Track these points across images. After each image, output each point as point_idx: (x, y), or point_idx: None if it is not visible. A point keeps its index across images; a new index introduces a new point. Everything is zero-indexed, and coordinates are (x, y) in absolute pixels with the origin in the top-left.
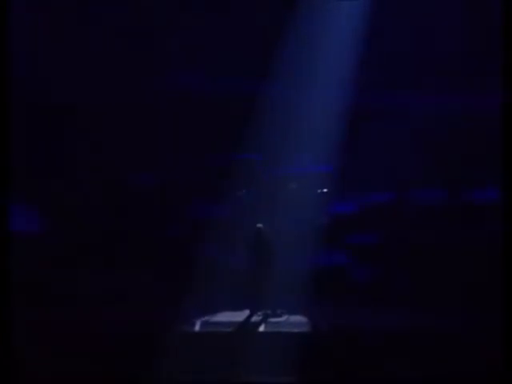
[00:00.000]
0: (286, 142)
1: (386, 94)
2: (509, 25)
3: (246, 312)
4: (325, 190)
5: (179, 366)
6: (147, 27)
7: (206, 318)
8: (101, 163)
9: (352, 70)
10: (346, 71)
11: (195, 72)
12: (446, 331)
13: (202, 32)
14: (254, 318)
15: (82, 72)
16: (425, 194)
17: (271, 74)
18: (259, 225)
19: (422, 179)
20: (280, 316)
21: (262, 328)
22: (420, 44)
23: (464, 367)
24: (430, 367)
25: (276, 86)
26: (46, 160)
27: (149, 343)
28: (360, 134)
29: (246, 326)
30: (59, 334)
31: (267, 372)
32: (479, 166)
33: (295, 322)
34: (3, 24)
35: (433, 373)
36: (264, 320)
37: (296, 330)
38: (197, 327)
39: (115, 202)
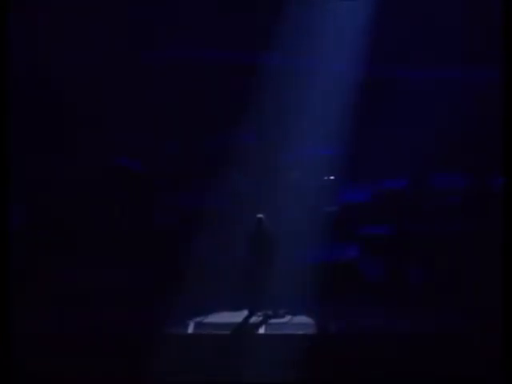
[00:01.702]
0: (289, 121)
1: (399, 66)
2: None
3: (245, 312)
4: (332, 177)
5: (168, 373)
6: None
7: (199, 319)
8: (84, 147)
9: (362, 41)
10: (355, 42)
11: (185, 44)
12: (467, 335)
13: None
14: (254, 319)
15: (68, 48)
16: (445, 180)
17: (269, 44)
18: (259, 215)
19: (442, 163)
20: (282, 317)
21: (262, 330)
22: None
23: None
24: (447, 374)
25: (275, 57)
26: (26, 144)
27: (134, 346)
28: (371, 113)
29: (245, 327)
30: (43, 334)
31: (268, 379)
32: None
33: (299, 323)
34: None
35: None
36: (264, 321)
37: (300, 333)
38: (190, 329)
39: (98, 190)
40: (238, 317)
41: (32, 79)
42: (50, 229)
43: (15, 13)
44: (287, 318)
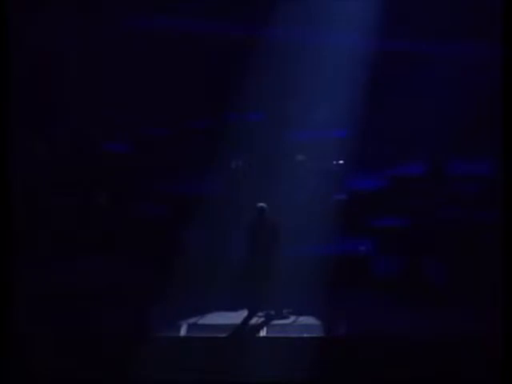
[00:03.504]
0: (294, 99)
1: (414, 39)
2: None
3: (244, 313)
4: (341, 161)
5: (156, 382)
6: None
7: (193, 320)
8: (67, 130)
9: (376, 14)
10: (368, 15)
11: (181, 14)
12: (491, 338)
13: None
14: (254, 320)
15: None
16: (467, 166)
17: (276, 15)
18: (261, 204)
19: (463, 147)
20: (286, 317)
21: (263, 332)
22: None
23: None
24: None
25: (282, 30)
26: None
27: (120, 350)
28: (385, 91)
29: (244, 329)
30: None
31: None
32: None
33: (305, 324)
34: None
35: None
36: (266, 322)
37: (306, 335)
38: (182, 331)
39: (82, 177)
40: (236, 318)
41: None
42: (30, 219)
43: None
44: (291, 319)
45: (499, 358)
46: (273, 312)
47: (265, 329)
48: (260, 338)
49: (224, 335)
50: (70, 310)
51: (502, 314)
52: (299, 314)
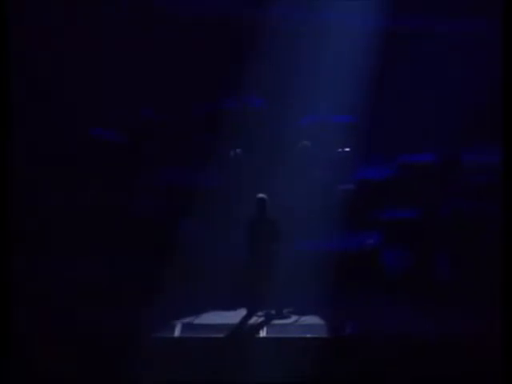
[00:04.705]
0: (298, 83)
1: (427, 18)
2: None
3: (243, 312)
4: (348, 149)
5: None
6: None
7: (189, 320)
8: (54, 116)
9: None
10: None
11: None
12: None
13: None
14: (253, 320)
15: None
16: (481, 154)
17: None
18: (261, 195)
19: (477, 134)
20: (288, 317)
21: (263, 333)
22: None
23: None
24: None
25: (284, 10)
26: None
27: (106, 352)
28: (394, 74)
29: (243, 330)
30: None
31: None
32: None
33: (308, 324)
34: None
35: None
36: (266, 322)
37: (309, 336)
38: (177, 331)
39: (69, 166)
40: (234, 317)
41: None
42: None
43: None
44: (293, 319)
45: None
46: (273, 311)
47: (265, 329)
48: (260, 338)
49: (221, 336)
50: (62, 309)
51: None
52: (301, 313)
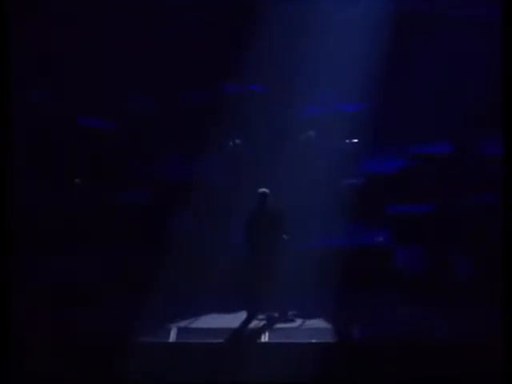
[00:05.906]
0: (303, 70)
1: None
2: None
3: (243, 315)
4: (356, 140)
5: None
6: None
7: (185, 324)
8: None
9: None
10: None
11: None
12: None
13: None
14: (254, 324)
15: None
16: (498, 145)
17: None
18: (263, 189)
19: (494, 123)
20: (291, 320)
21: (265, 337)
22: None
23: None
24: None
25: None
26: None
27: (101, 357)
28: (405, 60)
29: (243, 334)
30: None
31: None
32: None
33: (313, 328)
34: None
35: None
36: (268, 326)
37: (314, 341)
38: (172, 336)
39: (59, 157)
40: (234, 321)
41: None
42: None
43: None
44: (297, 323)
45: None
46: (276, 314)
47: (266, 333)
48: (261, 343)
49: (219, 341)
50: (61, 310)
51: None
52: (307, 316)
